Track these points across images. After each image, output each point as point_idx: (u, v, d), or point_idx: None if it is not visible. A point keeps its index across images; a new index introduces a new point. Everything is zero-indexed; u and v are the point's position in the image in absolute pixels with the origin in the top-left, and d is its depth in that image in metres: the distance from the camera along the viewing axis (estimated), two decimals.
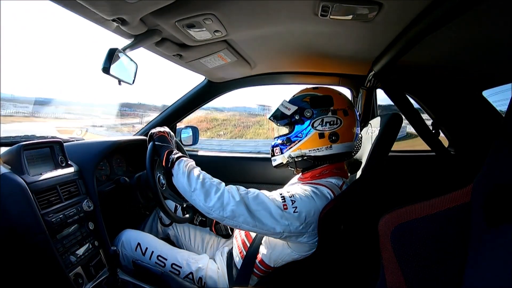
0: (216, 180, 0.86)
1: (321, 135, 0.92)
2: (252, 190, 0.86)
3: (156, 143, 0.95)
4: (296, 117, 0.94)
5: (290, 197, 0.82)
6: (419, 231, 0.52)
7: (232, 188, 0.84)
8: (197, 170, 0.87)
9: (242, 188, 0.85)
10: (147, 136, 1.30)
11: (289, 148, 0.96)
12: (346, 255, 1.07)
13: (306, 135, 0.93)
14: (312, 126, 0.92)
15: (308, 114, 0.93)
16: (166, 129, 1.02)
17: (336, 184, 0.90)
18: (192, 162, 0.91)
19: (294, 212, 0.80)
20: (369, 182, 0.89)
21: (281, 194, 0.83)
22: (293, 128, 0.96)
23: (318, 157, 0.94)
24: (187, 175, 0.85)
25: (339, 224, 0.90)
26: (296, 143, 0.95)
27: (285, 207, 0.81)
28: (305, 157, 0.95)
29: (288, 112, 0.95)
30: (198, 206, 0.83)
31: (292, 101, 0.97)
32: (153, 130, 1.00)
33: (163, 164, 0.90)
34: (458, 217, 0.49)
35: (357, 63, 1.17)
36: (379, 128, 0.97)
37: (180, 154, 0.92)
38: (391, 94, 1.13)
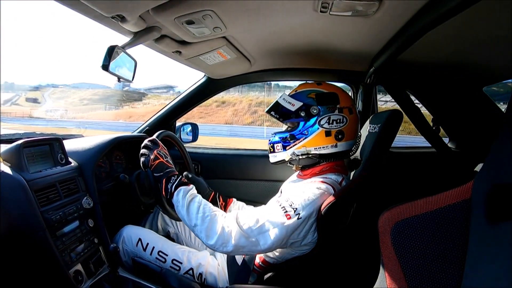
0: (215, 211, 0.83)
1: (328, 133, 0.91)
2: (250, 214, 0.82)
3: (155, 174, 0.88)
4: (301, 114, 0.92)
5: (290, 205, 0.81)
6: (419, 228, 0.52)
7: (230, 221, 0.81)
8: (196, 202, 0.83)
9: (240, 216, 0.82)
10: (148, 134, 1.30)
11: (293, 145, 0.94)
12: (345, 251, 1.07)
13: (312, 133, 0.92)
14: (319, 123, 0.91)
15: (314, 111, 0.91)
16: (159, 150, 0.92)
17: (335, 180, 0.89)
18: (192, 190, 0.86)
19: (298, 219, 0.79)
20: (369, 179, 0.88)
21: (280, 205, 0.82)
22: (297, 124, 0.94)
23: (323, 155, 0.93)
24: (186, 209, 0.82)
25: (339, 220, 0.90)
26: (301, 140, 0.93)
27: (288, 216, 0.79)
28: (310, 155, 0.94)
29: (292, 108, 0.93)
30: (201, 241, 0.82)
31: (296, 96, 0.95)
32: (145, 157, 0.91)
33: (163, 194, 0.86)
34: (458, 214, 0.49)
35: (357, 59, 1.17)
36: (379, 125, 0.97)
37: (178, 181, 0.86)
38: (391, 91, 1.13)
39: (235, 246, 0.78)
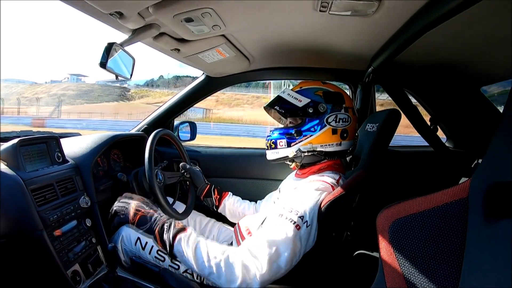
0: (225, 251, 0.76)
1: (334, 131, 0.92)
2: (261, 242, 0.75)
3: (141, 228, 0.81)
4: (309, 111, 0.92)
5: (296, 214, 0.78)
6: (417, 226, 0.52)
7: (245, 256, 0.74)
8: (202, 247, 0.76)
9: (253, 248, 0.75)
10: (146, 132, 1.29)
11: (299, 142, 0.93)
12: (344, 249, 1.08)
13: (319, 130, 0.92)
14: (326, 121, 0.91)
15: (322, 109, 0.92)
16: (135, 203, 0.85)
17: (333, 179, 0.89)
18: (192, 235, 0.79)
19: (307, 227, 0.78)
20: (367, 177, 0.89)
21: (286, 218, 0.78)
22: (303, 121, 0.94)
23: (328, 152, 0.94)
24: (194, 258, 0.75)
25: (337, 218, 0.91)
26: (308, 137, 0.93)
27: (297, 227, 0.76)
28: (316, 152, 0.93)
29: (300, 104, 0.92)
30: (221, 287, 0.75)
31: (302, 92, 0.94)
32: (124, 216, 0.83)
33: (161, 246, 0.79)
34: (456, 212, 0.50)
35: (356, 58, 1.18)
36: (377, 124, 0.97)
37: (173, 229, 0.78)
38: (389, 90, 1.14)
39: (261, 282, 0.73)
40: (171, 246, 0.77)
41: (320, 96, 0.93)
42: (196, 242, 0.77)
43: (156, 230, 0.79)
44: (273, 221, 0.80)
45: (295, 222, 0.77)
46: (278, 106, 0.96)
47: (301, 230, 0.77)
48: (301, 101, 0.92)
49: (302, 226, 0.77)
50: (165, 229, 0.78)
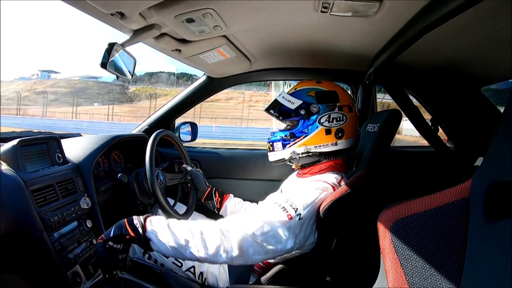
0: (200, 220, 0.76)
1: (328, 131, 0.91)
2: (248, 217, 0.76)
3: (110, 230, 0.75)
4: (301, 112, 0.92)
5: (291, 205, 0.78)
6: (418, 226, 0.52)
7: (226, 223, 0.74)
8: (175, 221, 0.75)
9: (238, 220, 0.75)
10: (147, 133, 1.29)
11: (293, 144, 0.94)
12: (345, 250, 1.07)
13: (312, 131, 0.92)
14: (319, 121, 0.91)
15: (314, 110, 0.91)
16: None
17: (335, 179, 0.89)
18: (162, 217, 0.76)
19: (299, 219, 0.77)
20: (369, 177, 0.89)
21: (280, 206, 0.78)
22: (297, 123, 0.94)
23: (323, 153, 0.93)
24: (169, 230, 0.72)
25: (338, 219, 0.91)
26: (301, 139, 0.93)
27: (289, 216, 0.76)
28: (310, 153, 0.93)
29: (292, 106, 0.92)
30: (200, 258, 0.72)
31: (295, 94, 0.94)
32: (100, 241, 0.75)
33: (132, 234, 0.73)
34: (457, 212, 0.50)
35: (357, 59, 1.18)
36: (378, 125, 0.98)
37: (141, 216, 0.76)
38: (390, 91, 1.14)
39: (239, 249, 0.70)
40: (144, 227, 0.73)
41: (312, 96, 0.92)
42: (168, 221, 0.75)
43: (126, 222, 0.74)
44: (266, 206, 0.81)
45: (287, 212, 0.77)
46: (273, 109, 0.96)
47: (292, 220, 0.76)
48: (294, 103, 0.92)
49: (294, 217, 0.76)
50: (134, 218, 0.75)
